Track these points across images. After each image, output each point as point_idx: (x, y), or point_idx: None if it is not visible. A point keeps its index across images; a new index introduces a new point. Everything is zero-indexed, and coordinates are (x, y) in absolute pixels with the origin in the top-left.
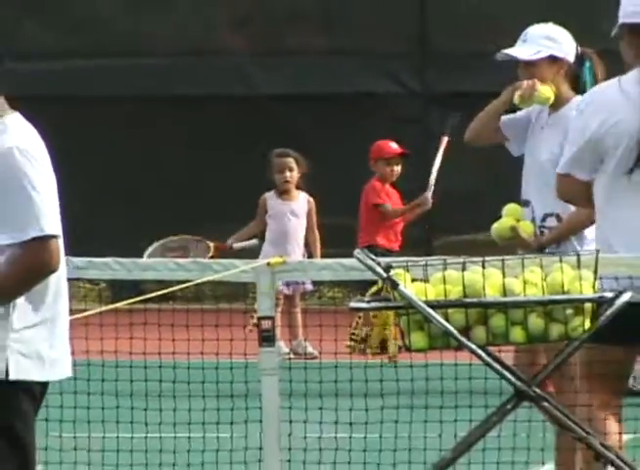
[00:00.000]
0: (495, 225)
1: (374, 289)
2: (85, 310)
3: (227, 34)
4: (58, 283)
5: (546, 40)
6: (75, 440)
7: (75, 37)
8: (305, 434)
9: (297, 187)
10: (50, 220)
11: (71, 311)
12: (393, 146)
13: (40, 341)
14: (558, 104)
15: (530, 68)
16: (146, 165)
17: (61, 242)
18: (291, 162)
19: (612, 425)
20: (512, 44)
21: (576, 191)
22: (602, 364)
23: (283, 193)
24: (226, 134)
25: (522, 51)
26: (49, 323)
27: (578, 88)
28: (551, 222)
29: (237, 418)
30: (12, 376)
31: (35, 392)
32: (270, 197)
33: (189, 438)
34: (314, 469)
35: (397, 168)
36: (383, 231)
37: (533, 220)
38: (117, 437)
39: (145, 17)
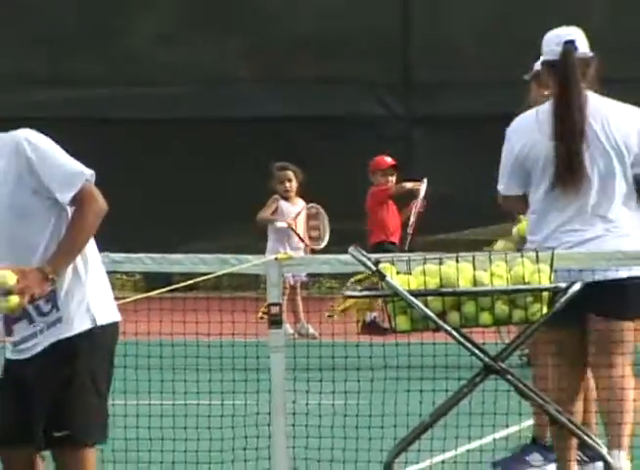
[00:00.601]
0: (519, 226)
1: (358, 277)
2: (123, 298)
3: (235, 64)
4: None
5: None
6: (114, 407)
7: (120, 68)
8: (307, 401)
9: (296, 194)
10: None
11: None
12: (388, 159)
13: (106, 292)
14: None
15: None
16: (176, 177)
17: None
18: (290, 174)
19: (578, 394)
20: (481, 74)
21: (515, 204)
22: (559, 343)
23: (286, 199)
24: (235, 150)
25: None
26: (103, 277)
27: None
28: None
29: (250, 388)
30: (99, 322)
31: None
32: (280, 200)
33: (209, 405)
34: (314, 431)
35: (392, 178)
36: (386, 229)
37: None
38: (149, 404)
39: (169, 50)
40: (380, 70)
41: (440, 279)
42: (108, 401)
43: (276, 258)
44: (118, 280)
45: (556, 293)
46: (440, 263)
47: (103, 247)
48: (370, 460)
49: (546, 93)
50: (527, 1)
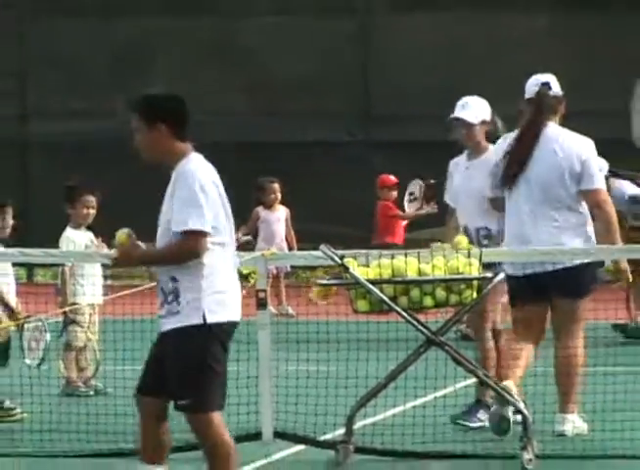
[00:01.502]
0: (458, 238)
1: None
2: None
3: (233, 98)
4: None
5: (479, 108)
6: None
7: None
8: (287, 367)
9: (280, 202)
10: (199, 221)
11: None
12: (392, 178)
13: (223, 296)
14: (479, 152)
15: (470, 127)
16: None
17: (204, 238)
18: (277, 186)
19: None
20: (431, 106)
21: (496, 204)
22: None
23: (271, 207)
24: (231, 167)
25: (466, 114)
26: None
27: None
28: (483, 232)
29: (241, 357)
30: (209, 320)
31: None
32: (261, 210)
33: None
34: (293, 392)
35: (395, 193)
36: (390, 234)
37: (469, 236)
38: None
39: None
40: (345, 104)
41: (392, 270)
42: (222, 377)
43: (262, 254)
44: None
45: (484, 281)
46: (392, 258)
47: None
48: (337, 414)
49: None
50: (465, 54)
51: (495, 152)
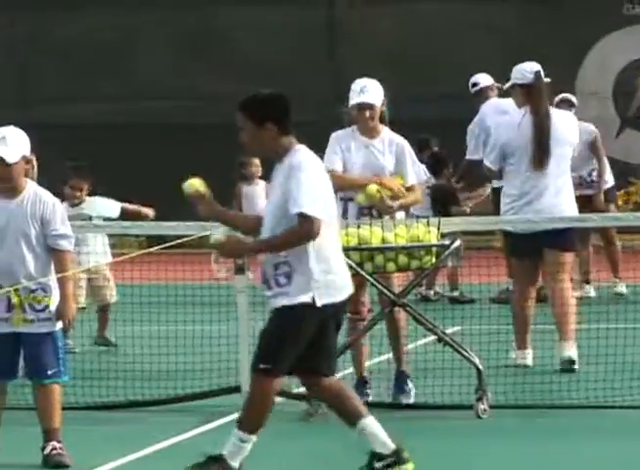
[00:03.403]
0: (366, 190)
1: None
2: (130, 253)
3: (219, 84)
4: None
5: (377, 91)
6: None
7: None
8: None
9: (260, 177)
10: (313, 206)
11: None
12: None
13: (330, 278)
14: (379, 131)
15: (373, 108)
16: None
17: (319, 222)
18: (257, 161)
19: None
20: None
21: (494, 174)
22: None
23: (252, 180)
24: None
25: (369, 97)
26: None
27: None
28: None
29: (222, 318)
30: (318, 302)
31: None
32: (243, 186)
33: (194, 330)
34: None
35: None
36: None
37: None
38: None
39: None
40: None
41: (358, 238)
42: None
43: None
44: (127, 240)
45: (442, 247)
46: (358, 227)
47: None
48: None
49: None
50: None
51: (495, 129)
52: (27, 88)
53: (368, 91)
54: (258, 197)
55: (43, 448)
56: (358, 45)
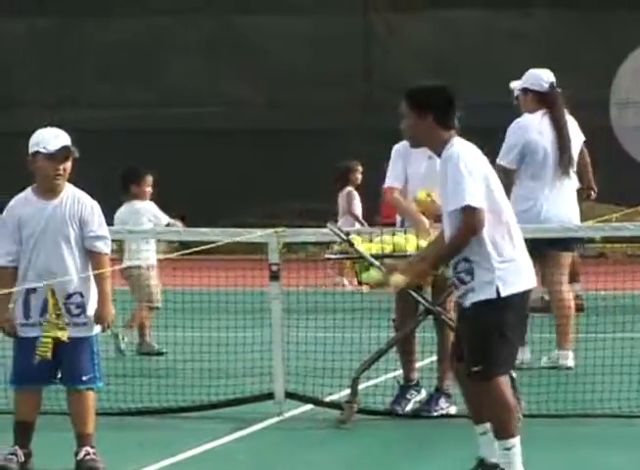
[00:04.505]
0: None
1: (336, 247)
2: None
3: (246, 91)
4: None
5: None
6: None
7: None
8: (297, 334)
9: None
10: (472, 196)
11: None
12: None
13: (515, 270)
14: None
15: None
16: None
17: (481, 212)
18: (361, 167)
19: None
20: None
21: (512, 179)
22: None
23: (357, 186)
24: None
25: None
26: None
27: None
28: None
29: (256, 324)
30: (502, 293)
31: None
32: (352, 190)
33: (227, 336)
34: (303, 356)
35: None
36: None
37: None
38: (183, 335)
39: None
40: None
41: (393, 246)
42: (512, 343)
43: (275, 232)
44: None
45: None
46: (393, 235)
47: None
48: (342, 376)
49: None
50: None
51: (515, 130)
52: (60, 92)
53: None
54: (359, 200)
55: (76, 454)
56: (390, 52)
